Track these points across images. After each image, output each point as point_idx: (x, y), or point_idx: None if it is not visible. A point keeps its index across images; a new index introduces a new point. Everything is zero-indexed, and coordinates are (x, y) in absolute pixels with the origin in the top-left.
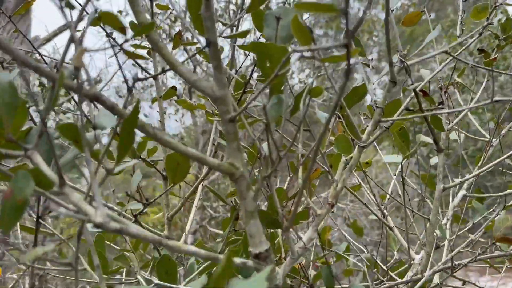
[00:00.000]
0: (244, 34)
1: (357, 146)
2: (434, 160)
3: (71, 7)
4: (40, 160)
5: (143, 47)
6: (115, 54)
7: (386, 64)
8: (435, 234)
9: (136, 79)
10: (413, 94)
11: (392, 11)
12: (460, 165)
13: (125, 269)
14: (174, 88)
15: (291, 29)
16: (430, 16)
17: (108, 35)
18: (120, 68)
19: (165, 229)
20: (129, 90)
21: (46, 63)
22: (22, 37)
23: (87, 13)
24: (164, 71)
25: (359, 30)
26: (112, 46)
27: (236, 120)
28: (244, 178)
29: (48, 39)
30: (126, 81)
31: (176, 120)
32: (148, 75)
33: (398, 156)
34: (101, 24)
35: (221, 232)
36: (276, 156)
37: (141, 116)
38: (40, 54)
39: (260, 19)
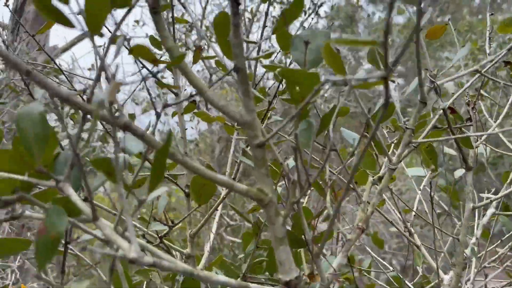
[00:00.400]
0: (269, 55)
1: (387, 168)
2: (458, 173)
3: (100, 35)
4: (72, 191)
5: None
6: (143, 80)
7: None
8: (464, 254)
9: (165, 105)
10: (440, 111)
11: (421, 29)
12: (483, 173)
13: (145, 283)
14: (194, 102)
15: (323, 55)
16: (448, 19)
17: (144, 66)
18: (149, 92)
19: (187, 246)
20: (158, 115)
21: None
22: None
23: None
24: (192, 96)
25: (374, 32)
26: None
27: (265, 145)
28: (273, 204)
29: (66, 49)
30: (155, 107)
31: (192, 128)
32: (175, 101)
33: (422, 169)
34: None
35: (237, 240)
36: (305, 181)
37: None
38: (58, 66)
39: (285, 40)
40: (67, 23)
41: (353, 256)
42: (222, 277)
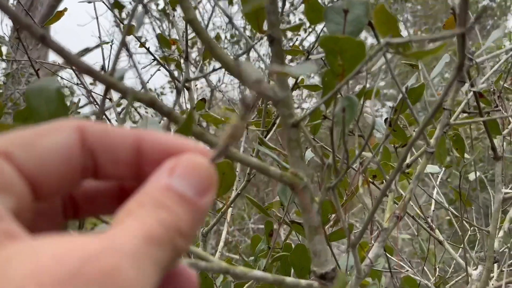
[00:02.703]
0: (298, 27)
1: (424, 152)
2: (472, 176)
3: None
4: None
5: (174, 60)
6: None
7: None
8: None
9: (186, 79)
10: (470, 94)
11: None
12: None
13: None
14: (204, 100)
15: (374, 19)
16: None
17: (155, 57)
18: (168, 70)
19: (198, 245)
20: (178, 91)
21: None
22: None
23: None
24: (215, 69)
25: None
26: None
27: (299, 125)
28: (308, 189)
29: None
30: (174, 80)
31: None
32: (198, 75)
33: (437, 167)
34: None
35: (236, 256)
36: (341, 164)
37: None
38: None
39: (314, 12)
40: None
41: (390, 247)
42: (258, 272)
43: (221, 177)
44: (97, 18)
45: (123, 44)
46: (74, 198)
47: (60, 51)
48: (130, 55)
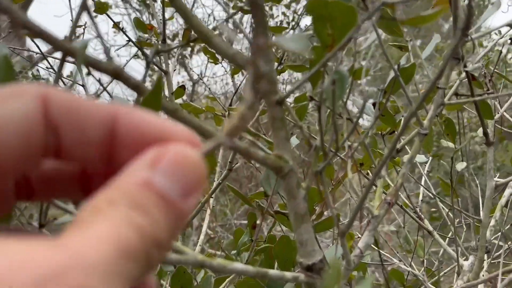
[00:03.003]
0: None
1: (417, 135)
2: (459, 166)
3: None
4: None
5: (150, 44)
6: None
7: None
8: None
9: (157, 51)
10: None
11: None
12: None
13: None
14: (183, 87)
15: None
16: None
17: (130, 39)
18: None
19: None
20: (148, 65)
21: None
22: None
23: None
24: (190, 41)
25: None
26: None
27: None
28: (294, 174)
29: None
30: (144, 53)
31: None
32: (170, 47)
33: (423, 156)
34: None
35: (218, 252)
36: (330, 147)
37: None
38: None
39: None
40: None
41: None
42: (239, 265)
43: None
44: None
45: (84, 8)
46: (29, 178)
47: (6, 10)
48: (94, 23)
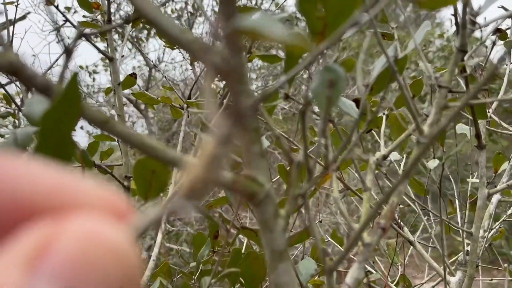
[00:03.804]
0: None
1: (416, 143)
2: (431, 164)
3: None
4: None
5: (95, 26)
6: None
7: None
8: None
9: (81, 35)
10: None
11: None
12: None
13: None
14: (134, 75)
15: None
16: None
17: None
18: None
19: None
20: (68, 53)
21: None
22: None
23: None
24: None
25: None
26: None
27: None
28: (271, 200)
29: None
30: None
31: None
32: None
33: (396, 153)
34: None
35: (177, 247)
36: (314, 164)
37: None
38: None
39: None
40: None
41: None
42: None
43: (149, 177)
44: None
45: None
46: None
47: None
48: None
